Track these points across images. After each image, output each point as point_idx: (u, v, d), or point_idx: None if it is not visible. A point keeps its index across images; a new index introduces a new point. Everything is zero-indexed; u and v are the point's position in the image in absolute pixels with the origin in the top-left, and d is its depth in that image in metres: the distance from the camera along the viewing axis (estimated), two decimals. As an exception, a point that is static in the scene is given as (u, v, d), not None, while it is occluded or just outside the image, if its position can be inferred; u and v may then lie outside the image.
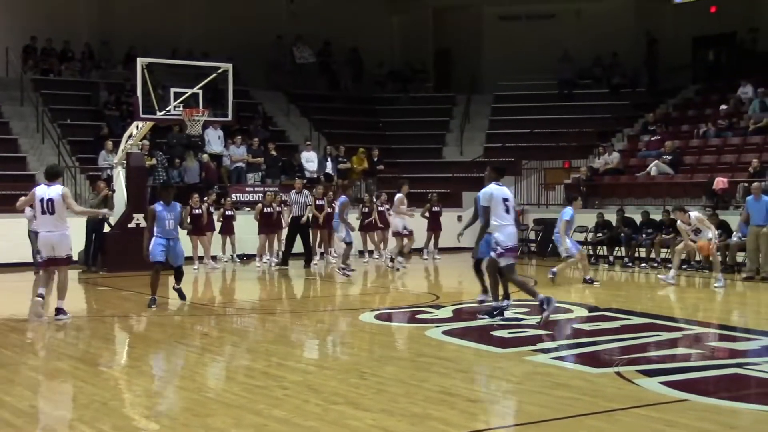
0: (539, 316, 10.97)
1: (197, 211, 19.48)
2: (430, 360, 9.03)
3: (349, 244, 17.68)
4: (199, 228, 19.32)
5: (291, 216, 20.14)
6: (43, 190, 11.86)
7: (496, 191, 11.25)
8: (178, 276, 13.59)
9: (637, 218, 20.29)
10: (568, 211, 16.30)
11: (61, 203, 11.76)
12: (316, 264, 20.19)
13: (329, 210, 20.09)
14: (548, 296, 11.03)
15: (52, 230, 11.83)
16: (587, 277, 16.36)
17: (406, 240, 19.87)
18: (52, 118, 24.18)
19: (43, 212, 11.78)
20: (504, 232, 11.17)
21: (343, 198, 17.82)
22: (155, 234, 13.07)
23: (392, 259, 19.36)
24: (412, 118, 29.63)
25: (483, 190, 11.34)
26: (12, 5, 26.75)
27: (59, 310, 11.90)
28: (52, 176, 12.17)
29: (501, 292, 12.01)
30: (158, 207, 13.19)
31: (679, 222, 16.35)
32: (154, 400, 7.53)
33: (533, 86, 29.64)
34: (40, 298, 11.91)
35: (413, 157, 27.85)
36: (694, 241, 16.15)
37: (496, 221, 11.16)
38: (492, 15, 31.20)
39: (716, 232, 16.18)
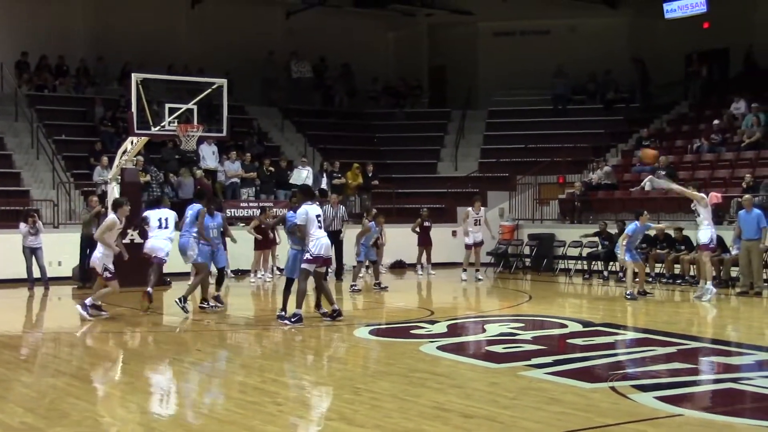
0: (286, 321, 12.64)
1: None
2: (424, 375, 9.02)
3: (359, 263, 18.53)
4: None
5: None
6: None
7: (310, 210, 12.68)
8: (220, 280, 15.13)
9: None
10: (631, 225, 16.40)
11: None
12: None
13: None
14: (301, 316, 12.62)
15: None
16: (641, 290, 16.47)
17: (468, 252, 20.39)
18: (46, 133, 24.15)
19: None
20: (317, 243, 12.56)
21: (371, 224, 18.46)
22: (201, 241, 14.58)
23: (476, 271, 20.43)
24: (407, 134, 29.64)
25: (299, 211, 12.75)
26: (7, 21, 26.75)
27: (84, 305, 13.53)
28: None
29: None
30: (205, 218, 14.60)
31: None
32: (147, 416, 7.50)
33: (528, 102, 29.69)
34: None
35: (408, 172, 27.88)
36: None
37: (311, 235, 12.55)
38: (486, 31, 31.27)
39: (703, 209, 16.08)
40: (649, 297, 16.32)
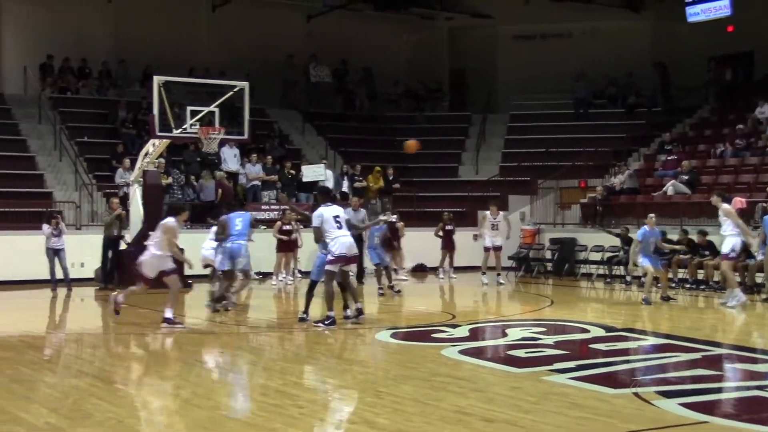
0: (319, 324, 12.59)
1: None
2: (445, 379, 8.99)
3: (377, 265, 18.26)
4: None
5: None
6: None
7: (325, 211, 12.65)
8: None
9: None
10: (640, 230, 16.37)
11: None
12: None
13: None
14: (334, 318, 12.64)
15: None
16: (664, 296, 16.38)
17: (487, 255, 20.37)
18: (69, 135, 24.31)
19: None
20: (337, 243, 12.51)
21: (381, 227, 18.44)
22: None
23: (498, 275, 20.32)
24: (428, 137, 29.56)
25: (314, 213, 12.84)
26: (31, 25, 26.95)
27: (167, 320, 12.71)
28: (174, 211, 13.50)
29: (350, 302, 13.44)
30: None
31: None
32: (170, 418, 7.51)
33: (549, 105, 29.60)
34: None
35: (429, 176, 27.85)
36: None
37: (330, 236, 12.51)
38: (506, 34, 31.21)
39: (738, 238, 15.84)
40: (672, 303, 16.20)
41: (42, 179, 23.17)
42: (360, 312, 13.17)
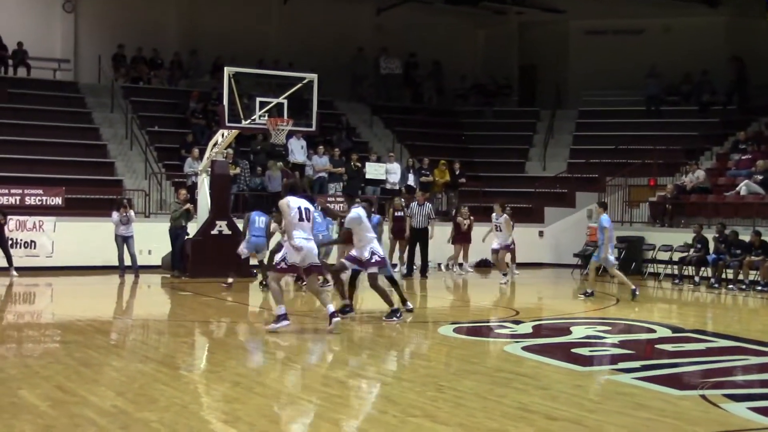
0: (392, 319, 12.45)
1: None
2: (508, 375, 8.91)
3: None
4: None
5: (410, 227, 20.76)
6: (298, 201, 11.41)
7: (363, 213, 12.64)
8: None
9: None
10: None
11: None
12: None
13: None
14: (401, 311, 12.68)
15: (310, 238, 11.43)
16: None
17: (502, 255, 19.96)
18: (140, 125, 24.70)
19: (301, 219, 11.31)
20: (377, 246, 12.67)
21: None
22: None
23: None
24: (496, 132, 29.45)
25: (350, 215, 12.71)
26: (105, 16, 27.44)
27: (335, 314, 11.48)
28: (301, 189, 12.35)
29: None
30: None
31: None
32: (232, 405, 7.58)
33: (619, 102, 29.16)
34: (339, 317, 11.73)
35: (496, 171, 27.67)
36: None
37: (367, 237, 12.54)
38: (578, 30, 30.82)
39: None
40: (591, 298, 16.17)
41: (113, 167, 23.58)
42: (350, 308, 12.98)
